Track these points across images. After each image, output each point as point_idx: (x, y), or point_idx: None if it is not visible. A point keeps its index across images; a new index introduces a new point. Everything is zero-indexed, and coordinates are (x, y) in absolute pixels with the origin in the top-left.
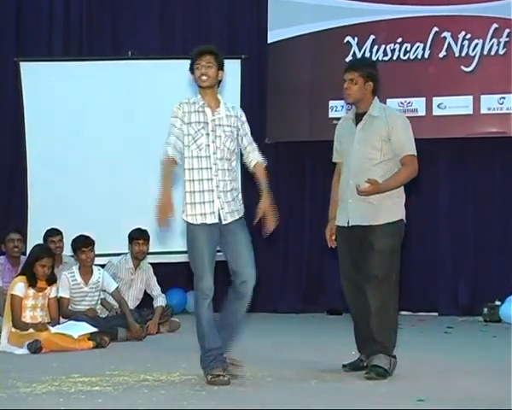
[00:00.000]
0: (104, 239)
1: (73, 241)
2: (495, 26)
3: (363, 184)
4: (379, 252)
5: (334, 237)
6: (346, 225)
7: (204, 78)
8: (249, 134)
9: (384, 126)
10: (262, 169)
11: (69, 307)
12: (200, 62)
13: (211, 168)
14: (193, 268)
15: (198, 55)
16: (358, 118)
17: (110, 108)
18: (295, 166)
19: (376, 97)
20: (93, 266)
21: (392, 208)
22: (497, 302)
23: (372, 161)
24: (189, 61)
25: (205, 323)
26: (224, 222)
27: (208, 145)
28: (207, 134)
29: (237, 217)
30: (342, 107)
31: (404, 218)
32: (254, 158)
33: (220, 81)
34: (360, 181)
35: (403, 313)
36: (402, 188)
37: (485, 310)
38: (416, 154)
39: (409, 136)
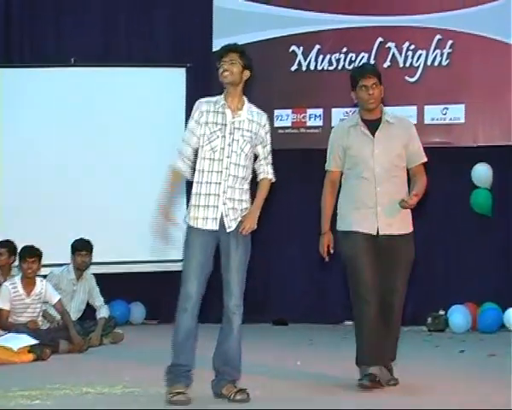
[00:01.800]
0: (47, 249)
1: (21, 250)
2: (438, 37)
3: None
4: (407, 262)
5: (329, 248)
6: (372, 232)
7: (226, 73)
8: (269, 146)
9: (404, 133)
10: (267, 186)
11: (10, 319)
12: (224, 59)
13: (221, 172)
14: (182, 270)
15: (223, 53)
16: (370, 125)
17: (53, 115)
18: None
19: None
20: (36, 278)
21: (410, 218)
22: (441, 312)
23: (397, 167)
24: (133, 69)
25: (181, 332)
26: (228, 230)
27: (223, 148)
28: (224, 136)
29: (235, 227)
30: (287, 116)
31: None
32: (265, 171)
33: (246, 81)
34: (389, 188)
35: (348, 322)
36: None
37: (429, 320)
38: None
39: (420, 144)
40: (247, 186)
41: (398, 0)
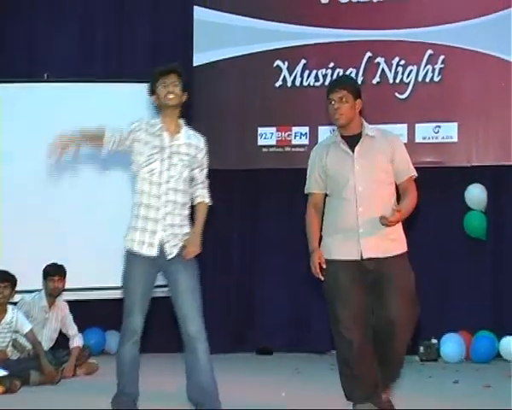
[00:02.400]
0: (16, 274)
1: None
2: (430, 52)
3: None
4: (403, 287)
5: (320, 267)
6: (354, 258)
7: (171, 96)
8: (206, 169)
9: (387, 147)
10: (205, 209)
11: None
12: (165, 81)
13: (160, 197)
14: (124, 302)
15: (163, 73)
16: (350, 141)
17: (24, 134)
18: (222, 197)
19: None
20: (7, 305)
21: (403, 237)
22: (434, 340)
23: (381, 183)
24: (110, 84)
25: (125, 362)
26: (169, 257)
27: (161, 172)
28: (162, 160)
29: (176, 253)
30: (272, 134)
31: None
32: (202, 195)
33: (184, 104)
34: (372, 207)
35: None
36: None
37: (422, 349)
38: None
39: (408, 156)
40: (187, 212)
41: (388, 13)
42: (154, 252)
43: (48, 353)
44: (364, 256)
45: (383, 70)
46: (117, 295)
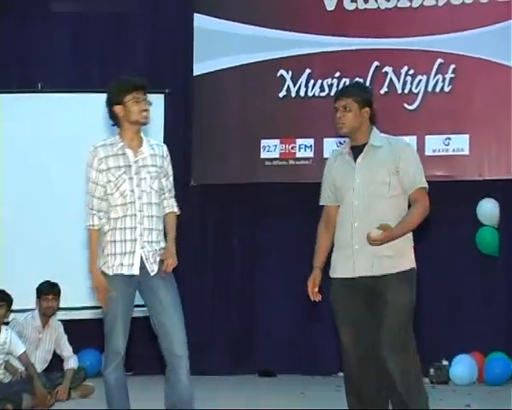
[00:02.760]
0: (9, 293)
1: None
2: (440, 61)
3: (374, 230)
4: (396, 308)
5: (317, 290)
6: (351, 276)
7: (146, 113)
8: (171, 177)
9: (390, 157)
10: (175, 219)
11: None
12: (138, 96)
13: (135, 215)
14: (104, 323)
15: (137, 87)
16: (356, 151)
17: (17, 147)
18: (223, 213)
19: (374, 127)
20: (1, 326)
21: (405, 254)
22: (444, 362)
23: (379, 197)
24: (105, 95)
25: (111, 385)
26: (152, 273)
27: (133, 191)
28: (131, 178)
29: (157, 269)
30: (275, 146)
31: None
32: (170, 206)
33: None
34: (368, 223)
35: (342, 374)
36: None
37: (432, 371)
38: (427, 187)
39: (419, 166)
40: (161, 226)
41: (396, 20)
42: (135, 271)
43: (41, 375)
44: (358, 274)
45: (391, 80)
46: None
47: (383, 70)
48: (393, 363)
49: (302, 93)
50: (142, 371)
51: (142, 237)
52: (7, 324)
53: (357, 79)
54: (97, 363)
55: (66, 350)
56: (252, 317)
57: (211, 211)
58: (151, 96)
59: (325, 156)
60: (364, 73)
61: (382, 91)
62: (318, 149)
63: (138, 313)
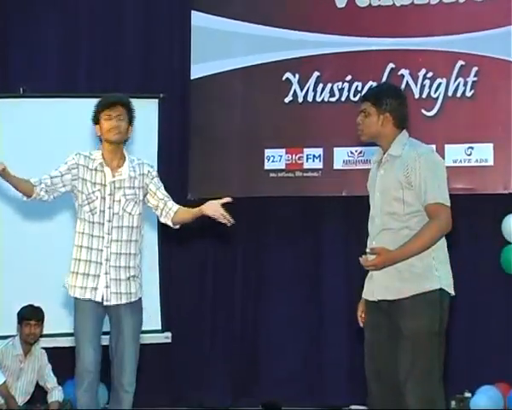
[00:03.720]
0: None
1: None
2: (461, 63)
3: (370, 255)
4: (410, 337)
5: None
6: (371, 299)
7: (116, 132)
8: (163, 187)
9: (403, 169)
10: (181, 209)
11: None
12: (110, 113)
13: (103, 237)
14: (75, 341)
15: (108, 104)
16: (383, 161)
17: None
18: (224, 229)
19: (404, 132)
20: None
21: (422, 274)
22: (467, 394)
23: (394, 215)
24: (95, 100)
25: (84, 405)
26: (105, 303)
27: (103, 211)
28: (103, 198)
29: (125, 301)
30: (280, 157)
31: (445, 286)
32: (174, 204)
33: (128, 139)
34: (384, 243)
35: (355, 407)
36: (437, 247)
37: (453, 403)
38: (446, 203)
39: (435, 178)
40: (134, 250)
41: (413, 19)
42: (97, 297)
43: (23, 408)
44: (377, 298)
45: (408, 83)
46: (105, 341)
47: (399, 73)
48: (412, 399)
49: (310, 98)
50: (133, 404)
51: (108, 262)
52: None
53: (370, 82)
54: None
55: (51, 381)
56: (254, 343)
57: (210, 228)
58: (143, 102)
59: (335, 168)
60: (378, 75)
61: None
62: (328, 159)
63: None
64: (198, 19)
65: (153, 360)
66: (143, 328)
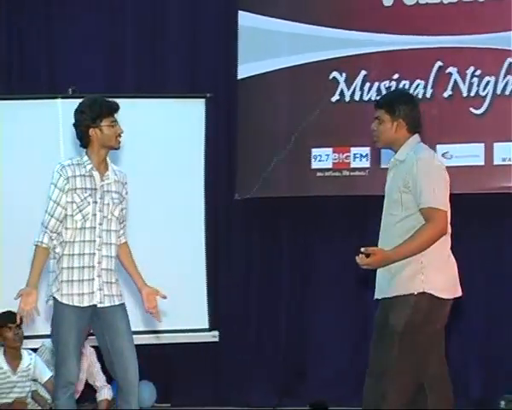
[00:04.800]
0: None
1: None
2: (510, 60)
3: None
4: (386, 335)
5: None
6: (375, 297)
7: (119, 139)
8: (126, 209)
9: (403, 174)
10: (128, 249)
11: None
12: (113, 119)
13: (95, 241)
14: (56, 352)
15: (112, 111)
16: None
17: (41, 156)
18: (271, 229)
19: (415, 137)
20: (22, 350)
21: (408, 277)
22: None
23: (393, 217)
24: (142, 100)
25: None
26: (99, 305)
27: (95, 215)
28: (95, 202)
29: (117, 303)
30: (327, 156)
31: (431, 290)
32: (124, 235)
33: None
34: (384, 244)
35: None
36: (442, 247)
37: (503, 404)
38: (441, 207)
39: (430, 182)
40: (116, 253)
41: (461, 16)
42: (96, 300)
43: None
44: (376, 296)
45: (456, 82)
46: (151, 340)
47: (447, 71)
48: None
49: (357, 97)
50: (180, 403)
51: (100, 265)
52: (35, 350)
53: (417, 81)
54: None
55: (100, 379)
56: (301, 343)
57: (256, 227)
58: (191, 101)
59: (383, 166)
60: (426, 74)
61: (446, 95)
62: (375, 158)
63: (181, 338)
64: (245, 19)
65: (200, 358)
66: (191, 326)
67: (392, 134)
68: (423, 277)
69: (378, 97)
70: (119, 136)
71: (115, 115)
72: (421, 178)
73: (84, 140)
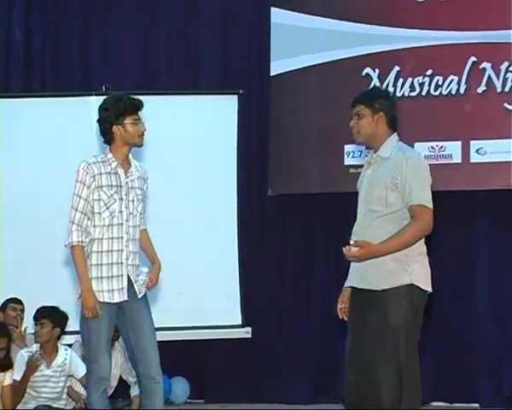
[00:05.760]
0: (69, 313)
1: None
2: None
3: (353, 247)
4: (377, 331)
5: (344, 306)
6: (351, 285)
7: (143, 136)
8: (147, 200)
9: (390, 170)
10: (147, 234)
11: (28, 394)
12: (137, 117)
13: (122, 238)
14: (86, 348)
15: (136, 108)
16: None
17: (74, 153)
18: (304, 225)
19: (395, 135)
20: (58, 345)
21: (395, 270)
22: None
23: (374, 213)
24: (175, 97)
25: (99, 407)
26: (139, 295)
27: (121, 212)
28: (121, 199)
29: (140, 296)
30: (360, 152)
31: (416, 282)
32: (142, 224)
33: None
34: (362, 238)
35: (435, 403)
36: (420, 243)
37: None
38: (428, 205)
39: (419, 181)
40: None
41: (495, 11)
42: (125, 296)
43: None
44: (352, 284)
45: (490, 77)
46: (185, 336)
47: (481, 66)
48: (373, 387)
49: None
50: (214, 400)
51: (127, 261)
52: (69, 346)
53: (451, 76)
54: (166, 389)
55: (133, 375)
56: (334, 339)
57: (289, 224)
58: (223, 98)
59: None
60: (460, 69)
61: (480, 90)
62: None
63: (215, 334)
64: (277, 15)
65: (233, 355)
66: (224, 323)
67: (374, 128)
68: (409, 268)
69: (412, 93)
70: (143, 134)
71: (139, 113)
72: (411, 176)
73: (107, 136)
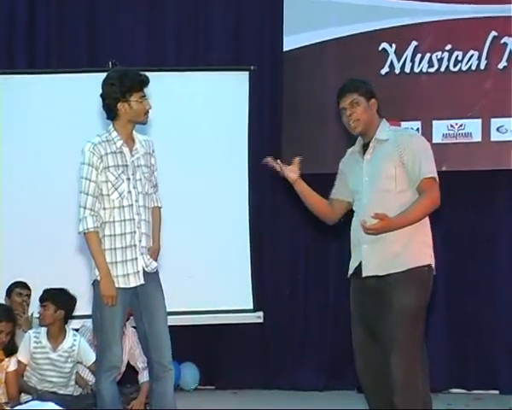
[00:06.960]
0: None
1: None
2: None
3: (370, 220)
4: (399, 309)
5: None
6: (360, 276)
7: (148, 114)
8: (157, 172)
9: (395, 149)
10: (160, 215)
11: (34, 378)
12: (143, 94)
13: (133, 219)
14: (99, 335)
15: (142, 84)
16: (365, 147)
17: (81, 130)
18: None
19: (384, 119)
20: (66, 329)
21: (417, 250)
22: None
23: (387, 193)
24: (184, 73)
25: (108, 399)
26: (141, 282)
27: (130, 192)
28: (128, 179)
29: (152, 278)
30: None
31: (432, 263)
32: (155, 200)
33: None
34: (375, 220)
35: (455, 390)
36: (427, 224)
37: None
38: (437, 178)
39: (427, 156)
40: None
41: None
42: (141, 280)
43: None
44: (364, 274)
45: (511, 52)
46: (196, 320)
47: (502, 41)
48: (396, 368)
49: (407, 69)
50: (224, 385)
51: (140, 243)
52: (77, 331)
53: (471, 51)
54: (176, 375)
55: (141, 361)
56: (348, 326)
57: (302, 204)
58: (234, 74)
59: (434, 141)
60: (480, 44)
61: (501, 66)
62: (427, 132)
63: (225, 319)
64: None
65: (244, 340)
66: (236, 307)
67: (371, 113)
68: (430, 249)
69: (430, 69)
70: (148, 112)
71: (145, 90)
72: (420, 152)
73: (111, 113)
